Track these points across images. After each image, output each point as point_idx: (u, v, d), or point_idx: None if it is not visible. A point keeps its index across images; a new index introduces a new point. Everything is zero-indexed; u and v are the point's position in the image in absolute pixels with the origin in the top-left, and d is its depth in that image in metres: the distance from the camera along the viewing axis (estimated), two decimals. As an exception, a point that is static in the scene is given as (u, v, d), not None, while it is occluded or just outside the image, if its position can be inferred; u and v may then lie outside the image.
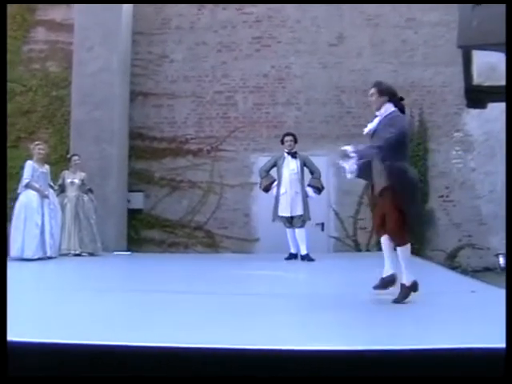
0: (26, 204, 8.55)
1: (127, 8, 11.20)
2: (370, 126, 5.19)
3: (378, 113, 5.18)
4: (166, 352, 3.14)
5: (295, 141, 8.91)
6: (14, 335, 3.24)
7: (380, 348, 3.12)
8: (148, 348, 3.16)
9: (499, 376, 2.80)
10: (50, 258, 8.55)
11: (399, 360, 3.04)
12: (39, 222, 8.53)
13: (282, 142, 8.93)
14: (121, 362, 3.12)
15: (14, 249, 8.44)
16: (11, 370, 2.99)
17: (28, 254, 8.35)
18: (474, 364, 2.98)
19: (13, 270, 7.76)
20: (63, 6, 11.69)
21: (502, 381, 2.81)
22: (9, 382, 2.96)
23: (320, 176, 8.93)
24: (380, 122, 5.12)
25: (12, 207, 8.77)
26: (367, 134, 5.23)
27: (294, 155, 8.83)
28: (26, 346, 3.19)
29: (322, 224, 10.80)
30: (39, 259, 8.38)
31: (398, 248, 4.97)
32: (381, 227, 5.13)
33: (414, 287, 4.92)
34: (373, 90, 5.20)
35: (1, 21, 6.64)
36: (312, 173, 8.88)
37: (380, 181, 4.98)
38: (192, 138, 11.40)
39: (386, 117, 5.11)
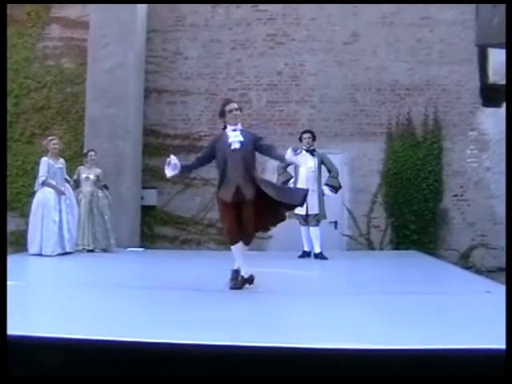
0: (43, 201, 8.55)
1: (142, 5, 11.23)
2: (236, 139, 5.74)
3: (235, 126, 5.80)
4: (173, 349, 3.15)
5: (313, 138, 8.91)
6: (27, 330, 3.28)
7: (379, 348, 3.11)
8: (156, 344, 3.17)
9: (499, 376, 2.79)
10: (67, 253, 8.58)
11: (400, 360, 3.04)
12: (57, 219, 8.55)
13: (300, 140, 8.90)
14: (129, 359, 3.13)
15: (32, 246, 8.50)
16: (15, 365, 3.02)
17: (47, 252, 8.37)
18: (477, 365, 2.97)
19: (28, 265, 7.88)
20: (78, 4, 11.72)
21: (502, 381, 2.80)
22: (9, 382, 2.97)
23: (337, 175, 8.89)
24: (244, 136, 5.76)
25: (29, 203, 8.83)
26: (235, 147, 5.72)
27: (312, 153, 8.81)
28: (30, 340, 3.21)
29: (336, 222, 10.77)
30: (57, 255, 8.41)
31: (246, 246, 5.80)
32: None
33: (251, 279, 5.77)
34: (238, 106, 5.89)
35: (1, 21, 6.66)
36: (329, 171, 8.85)
37: (252, 187, 5.64)
38: (205, 135, 11.38)
39: (244, 131, 5.85)
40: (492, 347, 3.02)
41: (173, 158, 5.77)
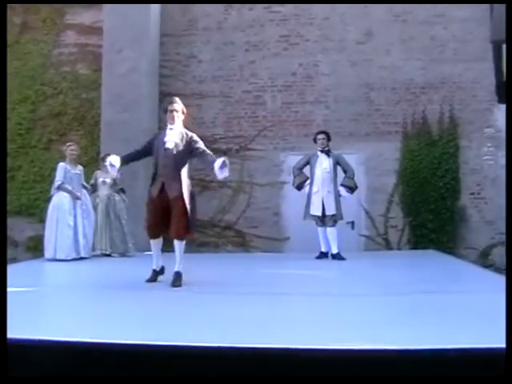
0: (58, 206, 8.63)
1: (155, 10, 11.29)
2: (171, 139, 6.01)
3: (172, 126, 6.07)
4: (182, 351, 3.16)
5: (328, 139, 8.88)
6: (39, 334, 3.31)
7: (384, 348, 3.10)
8: (163, 347, 3.19)
9: (499, 376, 2.77)
10: (82, 258, 8.62)
11: (405, 360, 3.03)
12: (71, 223, 8.60)
13: (315, 141, 8.90)
14: (139, 361, 3.15)
15: (48, 250, 8.57)
16: (17, 367, 3.05)
17: (61, 255, 8.44)
18: (477, 364, 2.95)
19: (41, 270, 7.95)
20: (92, 10, 11.82)
21: (502, 381, 2.78)
22: (9, 382, 3.00)
23: (353, 175, 8.84)
24: (180, 137, 6.02)
25: (45, 209, 8.91)
26: (168, 146, 5.99)
27: (327, 153, 8.80)
28: (31, 343, 3.25)
29: (353, 222, 10.74)
30: (72, 260, 8.46)
31: (182, 242, 6.02)
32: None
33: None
34: (178, 107, 6.10)
35: (1, 21, 6.71)
36: (345, 172, 8.82)
37: (177, 186, 5.92)
38: (221, 138, 11.42)
39: (182, 133, 6.07)
40: (493, 346, 3.00)
41: (110, 160, 6.09)
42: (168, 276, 6.17)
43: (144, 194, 10.35)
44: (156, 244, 6.20)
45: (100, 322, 4.06)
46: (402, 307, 4.76)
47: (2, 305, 3.41)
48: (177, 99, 6.24)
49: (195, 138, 6.12)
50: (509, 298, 3.40)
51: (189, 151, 6.04)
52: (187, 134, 6.10)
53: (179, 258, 6.02)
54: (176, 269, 5.99)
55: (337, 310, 4.76)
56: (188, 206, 5.96)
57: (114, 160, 6.09)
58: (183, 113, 6.17)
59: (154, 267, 6.23)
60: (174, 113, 6.07)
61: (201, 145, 6.10)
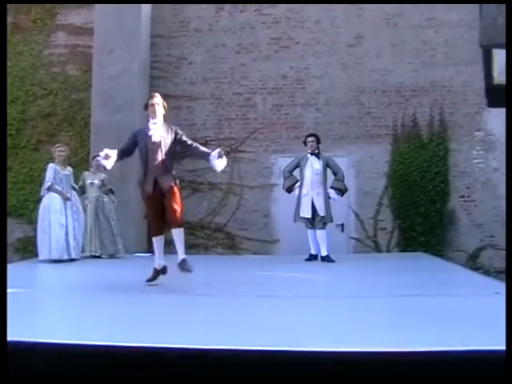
0: (50, 206, 8.58)
1: (146, 11, 11.28)
2: (156, 132, 5.95)
3: (155, 120, 5.99)
4: (179, 353, 3.15)
5: (317, 141, 8.89)
6: (34, 336, 3.29)
7: (382, 350, 3.10)
8: (156, 349, 3.18)
9: (499, 376, 2.78)
10: (72, 259, 8.58)
11: (401, 362, 3.03)
12: (64, 223, 8.59)
13: (305, 144, 8.91)
14: (128, 363, 3.14)
15: (42, 251, 8.51)
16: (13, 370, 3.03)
17: (55, 255, 8.39)
18: (477, 366, 2.96)
19: (34, 271, 7.90)
20: (83, 11, 11.79)
21: (502, 381, 2.79)
22: (9, 382, 2.99)
23: (343, 178, 8.87)
24: (164, 130, 5.99)
25: (36, 210, 8.86)
26: (154, 140, 5.93)
27: (317, 156, 8.81)
28: (28, 346, 3.23)
29: (342, 225, 10.76)
30: (63, 261, 8.42)
31: (181, 229, 5.93)
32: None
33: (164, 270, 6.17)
34: (159, 101, 6.04)
35: (1, 21, 6.69)
36: (335, 174, 8.84)
37: (168, 178, 5.86)
38: (211, 140, 11.40)
39: (165, 126, 6.04)
40: (492, 348, 3.01)
41: (106, 152, 5.96)
42: (167, 277, 6.15)
43: (133, 196, 10.43)
44: (159, 241, 6.11)
45: (94, 325, 4.03)
46: (392, 309, 4.76)
47: (2, 309, 3.40)
48: (157, 94, 6.20)
49: (180, 130, 6.12)
50: (509, 299, 3.41)
51: (176, 144, 6.04)
52: (171, 128, 6.08)
53: (182, 246, 5.94)
54: (182, 256, 5.91)
55: (327, 311, 4.76)
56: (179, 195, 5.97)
57: (110, 152, 5.97)
58: (164, 107, 6.11)
59: (156, 266, 6.16)
60: (156, 106, 6.00)
61: (187, 137, 6.14)
